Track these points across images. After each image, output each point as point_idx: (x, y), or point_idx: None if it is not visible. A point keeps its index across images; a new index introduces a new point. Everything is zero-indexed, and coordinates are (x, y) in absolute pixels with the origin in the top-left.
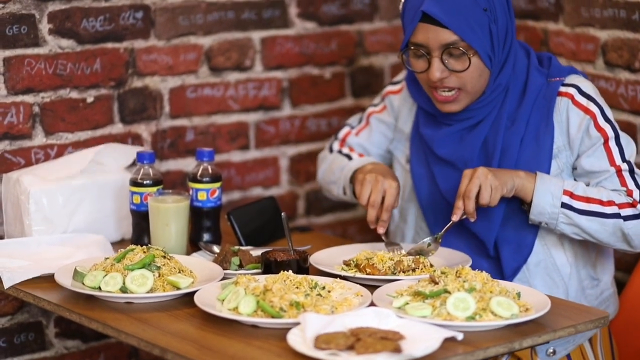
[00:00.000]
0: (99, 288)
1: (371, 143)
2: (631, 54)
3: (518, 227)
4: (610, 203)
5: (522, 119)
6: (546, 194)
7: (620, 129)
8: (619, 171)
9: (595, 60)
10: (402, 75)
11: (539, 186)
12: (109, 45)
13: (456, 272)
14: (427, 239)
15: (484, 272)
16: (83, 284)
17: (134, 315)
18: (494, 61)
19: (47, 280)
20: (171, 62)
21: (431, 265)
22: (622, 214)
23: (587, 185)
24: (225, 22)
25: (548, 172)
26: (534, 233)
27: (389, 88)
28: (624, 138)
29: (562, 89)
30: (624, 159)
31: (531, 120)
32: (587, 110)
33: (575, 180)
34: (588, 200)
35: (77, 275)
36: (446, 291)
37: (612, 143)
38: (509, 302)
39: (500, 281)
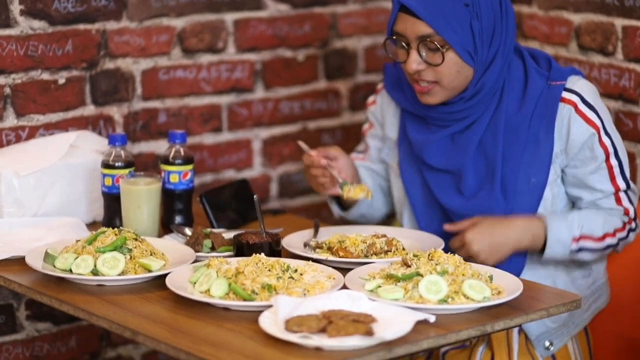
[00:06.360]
0: (70, 270)
1: (374, 161)
2: (604, 38)
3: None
4: (610, 235)
5: (523, 124)
6: (557, 246)
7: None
8: (617, 191)
9: (569, 44)
10: (382, 84)
11: (551, 242)
12: (81, 26)
13: (428, 255)
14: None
15: (456, 255)
16: (54, 266)
17: (105, 297)
18: (476, 58)
19: (18, 262)
20: (143, 44)
21: (404, 248)
22: (618, 241)
23: (581, 200)
24: (198, 3)
25: (547, 179)
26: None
27: (369, 100)
28: (621, 149)
29: (565, 95)
30: (623, 176)
31: (531, 125)
32: (590, 123)
33: (564, 185)
34: (593, 239)
35: (48, 257)
36: (418, 274)
37: (612, 159)
38: (481, 285)
39: (472, 264)
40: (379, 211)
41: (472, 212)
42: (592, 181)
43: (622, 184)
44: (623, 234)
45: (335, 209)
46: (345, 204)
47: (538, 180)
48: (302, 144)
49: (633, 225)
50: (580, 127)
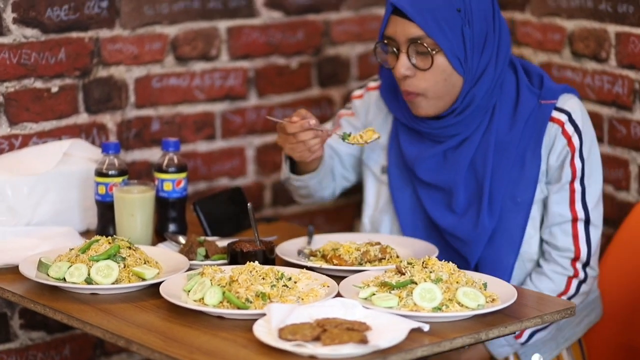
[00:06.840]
0: (64, 279)
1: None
2: (598, 44)
3: (500, 249)
4: None
5: (513, 143)
6: (503, 350)
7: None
8: (574, 220)
9: (562, 50)
10: (375, 83)
11: (495, 353)
12: (74, 34)
13: (422, 263)
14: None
15: (450, 262)
16: (48, 275)
17: (99, 306)
18: (466, 67)
19: (12, 271)
20: (136, 52)
21: (397, 256)
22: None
23: (541, 225)
24: (191, 11)
25: (533, 198)
26: (515, 255)
27: (354, 93)
28: (591, 177)
29: (555, 114)
30: (584, 205)
31: (520, 144)
32: (570, 142)
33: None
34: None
35: (42, 266)
36: (412, 282)
37: (577, 183)
38: (476, 293)
39: (467, 271)
40: (322, 192)
41: (462, 229)
42: (551, 201)
43: (580, 213)
44: (570, 293)
45: (286, 170)
46: (299, 170)
47: (523, 199)
48: (271, 117)
49: (582, 275)
50: (561, 145)
